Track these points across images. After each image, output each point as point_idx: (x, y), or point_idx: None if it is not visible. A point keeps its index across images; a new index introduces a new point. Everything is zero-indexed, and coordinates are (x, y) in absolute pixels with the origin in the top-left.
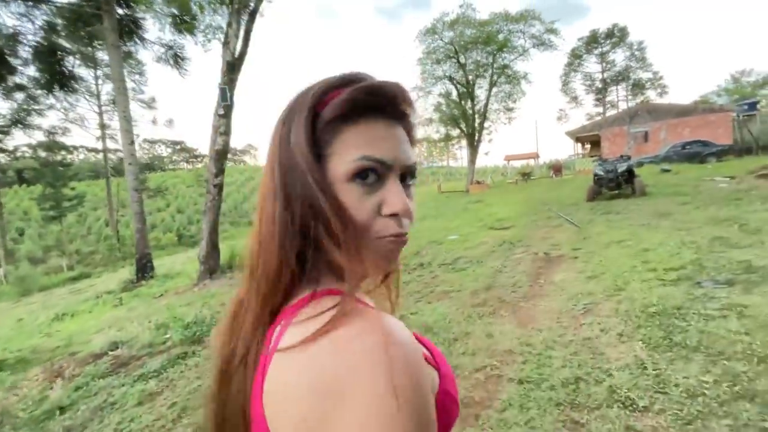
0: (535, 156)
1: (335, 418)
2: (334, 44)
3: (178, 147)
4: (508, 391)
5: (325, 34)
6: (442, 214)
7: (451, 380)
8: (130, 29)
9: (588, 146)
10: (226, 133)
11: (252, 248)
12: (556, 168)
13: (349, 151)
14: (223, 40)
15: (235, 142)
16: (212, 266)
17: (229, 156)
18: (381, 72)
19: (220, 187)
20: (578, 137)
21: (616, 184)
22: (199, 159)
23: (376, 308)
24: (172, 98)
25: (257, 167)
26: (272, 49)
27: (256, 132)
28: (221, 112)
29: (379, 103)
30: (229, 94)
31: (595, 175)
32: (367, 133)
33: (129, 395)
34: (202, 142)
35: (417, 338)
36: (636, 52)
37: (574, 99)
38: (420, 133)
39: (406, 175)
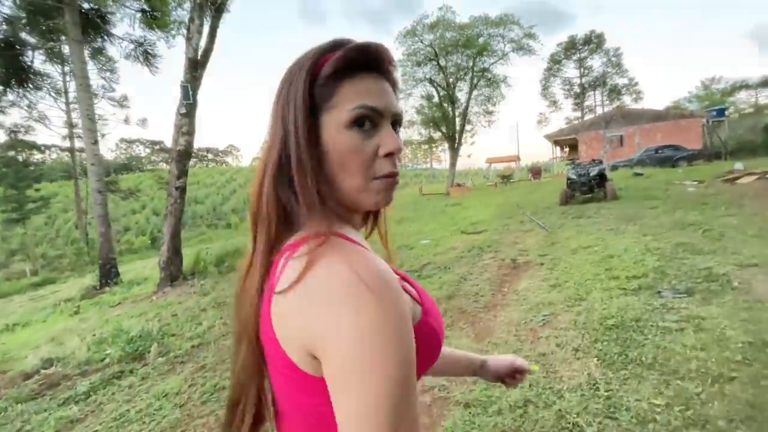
0: (516, 159)
1: (325, 307)
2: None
3: (157, 147)
4: (454, 416)
5: (310, 36)
6: (419, 217)
7: (434, 315)
8: (95, 24)
9: (567, 149)
10: (189, 132)
11: (253, 197)
12: (535, 171)
13: (346, 102)
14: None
15: (217, 142)
16: (173, 273)
17: (211, 156)
18: None
19: (182, 190)
20: (557, 140)
21: (589, 188)
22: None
23: (364, 247)
24: (151, 97)
25: (240, 168)
26: (256, 50)
27: (238, 132)
28: (183, 110)
29: (369, 60)
30: (191, 92)
31: (568, 179)
32: (360, 86)
33: (46, 423)
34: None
35: (401, 275)
36: (612, 59)
37: (554, 103)
38: (402, 135)
39: (395, 123)
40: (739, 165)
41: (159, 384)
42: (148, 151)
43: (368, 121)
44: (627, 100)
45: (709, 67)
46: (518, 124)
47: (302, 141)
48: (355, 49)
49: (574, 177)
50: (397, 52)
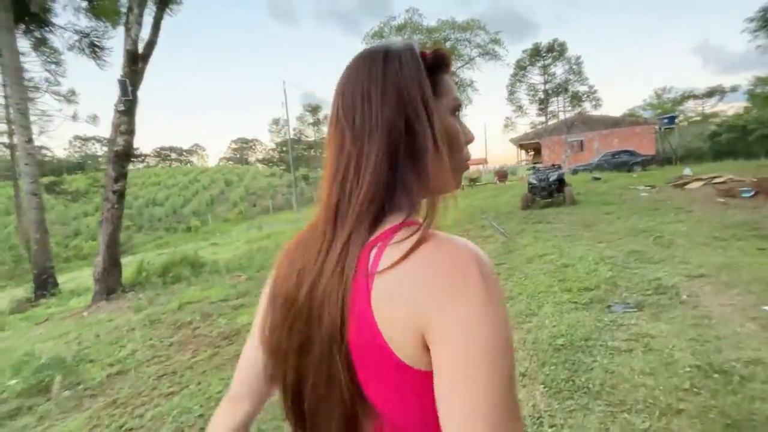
0: (484, 162)
1: (441, 299)
2: (288, 47)
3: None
4: None
5: (280, 36)
6: None
7: None
8: (31, 12)
9: (531, 153)
10: (129, 132)
11: (336, 182)
12: (501, 174)
13: (450, 91)
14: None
15: (182, 141)
16: (110, 286)
17: (174, 156)
18: (331, 76)
19: (120, 194)
20: (522, 144)
21: (549, 192)
22: (139, 158)
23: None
24: (108, 93)
25: (205, 169)
26: (225, 50)
27: (204, 131)
28: (122, 107)
29: (448, 61)
30: (130, 88)
31: (529, 183)
32: (450, 81)
33: None
34: (142, 139)
35: None
36: (574, 66)
37: (520, 108)
38: None
39: None
40: (687, 171)
41: (57, 425)
42: (105, 149)
43: (458, 111)
44: (587, 106)
45: (662, 77)
46: (486, 127)
47: (434, 123)
48: (442, 50)
49: (534, 182)
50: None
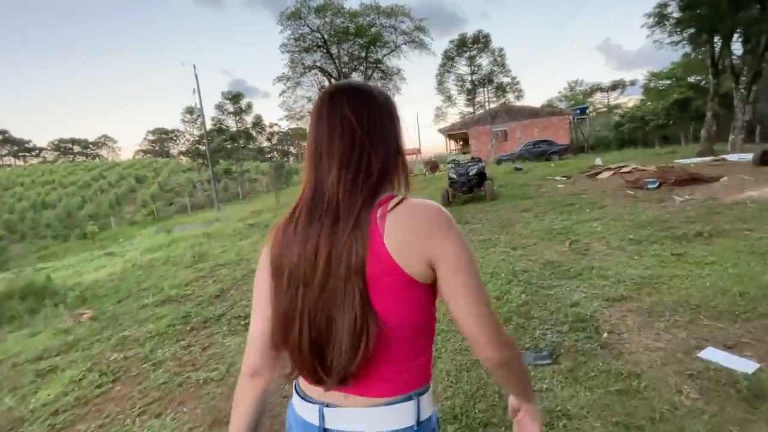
0: (417, 152)
1: (436, 238)
2: (213, 31)
3: (0, 137)
4: None
5: (207, 23)
6: None
7: None
8: None
9: (461, 143)
10: None
11: (346, 171)
12: (432, 165)
13: (402, 129)
14: None
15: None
16: None
17: (78, 149)
18: (263, 63)
19: None
20: (450, 134)
21: (469, 188)
22: (33, 153)
23: None
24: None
25: (114, 164)
26: (149, 35)
27: (114, 122)
28: None
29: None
30: None
31: (449, 178)
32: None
33: None
34: (36, 130)
35: None
36: (498, 58)
37: (449, 98)
38: (288, 126)
39: None
40: (598, 160)
41: None
42: None
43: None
44: (511, 97)
45: (573, 72)
46: (418, 116)
47: (403, 151)
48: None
49: (454, 176)
50: (280, 36)
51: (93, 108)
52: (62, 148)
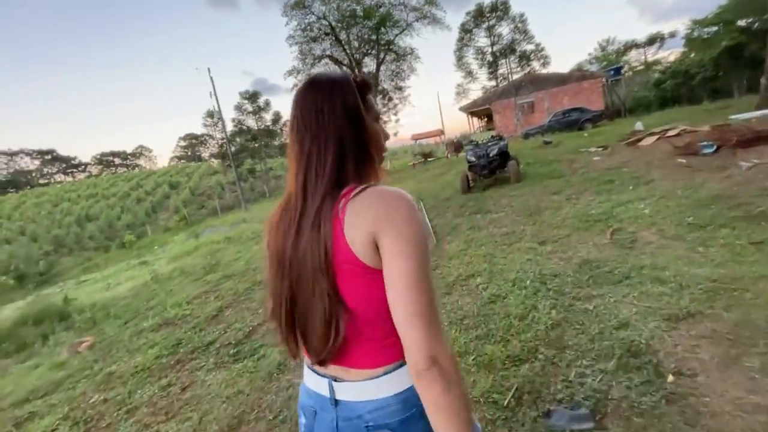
0: (440, 133)
1: (382, 220)
2: (234, 37)
3: (49, 156)
4: None
5: (221, 22)
6: None
7: None
8: None
9: (485, 120)
10: None
11: (303, 170)
12: (455, 146)
13: (372, 106)
14: None
15: (125, 145)
16: None
17: (119, 161)
18: (281, 59)
19: None
20: (472, 112)
21: (490, 170)
22: (80, 168)
23: None
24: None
25: (151, 172)
26: (165, 44)
27: (149, 132)
28: None
29: (370, 85)
30: None
31: (468, 161)
32: (371, 99)
33: None
34: (80, 147)
35: None
36: (519, 25)
37: (469, 74)
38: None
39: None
40: (639, 125)
41: None
42: (37, 162)
43: (378, 119)
44: (536, 65)
45: (603, 31)
46: (438, 96)
47: (365, 129)
48: (366, 78)
49: (473, 159)
50: (286, 28)
51: (128, 120)
52: (104, 161)
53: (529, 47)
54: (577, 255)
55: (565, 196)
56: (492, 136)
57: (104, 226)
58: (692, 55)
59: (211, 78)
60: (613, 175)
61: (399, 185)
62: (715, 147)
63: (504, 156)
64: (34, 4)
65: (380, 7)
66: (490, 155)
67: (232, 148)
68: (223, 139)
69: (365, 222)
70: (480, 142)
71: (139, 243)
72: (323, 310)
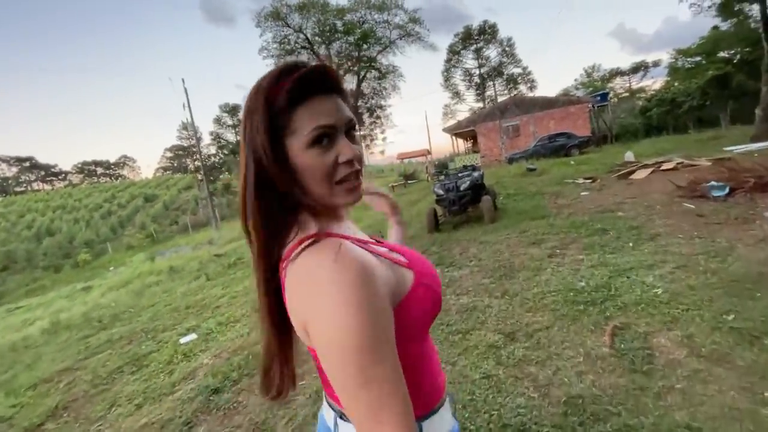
0: (427, 153)
1: (306, 305)
2: (230, 51)
3: (27, 164)
4: None
5: (217, 37)
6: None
7: (427, 274)
8: None
9: (470, 141)
10: None
11: (241, 212)
12: (414, 175)
13: (304, 126)
14: None
15: (109, 154)
16: None
17: (101, 171)
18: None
19: None
20: (456, 133)
21: (461, 206)
22: (60, 177)
23: (339, 238)
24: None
25: (130, 183)
26: (160, 54)
27: (137, 143)
28: None
29: (315, 83)
30: None
31: (435, 194)
32: (313, 109)
33: None
34: (60, 155)
35: (391, 247)
36: (506, 49)
37: (457, 94)
38: None
39: (350, 129)
40: (629, 155)
41: None
42: (14, 169)
43: (325, 137)
44: (523, 89)
45: (587, 59)
46: (427, 115)
47: (272, 164)
48: (300, 79)
49: (441, 192)
50: (259, 40)
51: (113, 129)
52: (86, 170)
53: (517, 70)
54: (559, 379)
55: (546, 250)
56: (464, 166)
57: (64, 241)
58: (676, 83)
59: (185, 89)
60: (607, 222)
61: (365, 214)
62: (727, 189)
63: (477, 189)
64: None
65: (363, 23)
66: (461, 189)
67: (212, 162)
68: (195, 152)
69: (296, 305)
70: (451, 171)
71: (95, 263)
72: (284, 357)
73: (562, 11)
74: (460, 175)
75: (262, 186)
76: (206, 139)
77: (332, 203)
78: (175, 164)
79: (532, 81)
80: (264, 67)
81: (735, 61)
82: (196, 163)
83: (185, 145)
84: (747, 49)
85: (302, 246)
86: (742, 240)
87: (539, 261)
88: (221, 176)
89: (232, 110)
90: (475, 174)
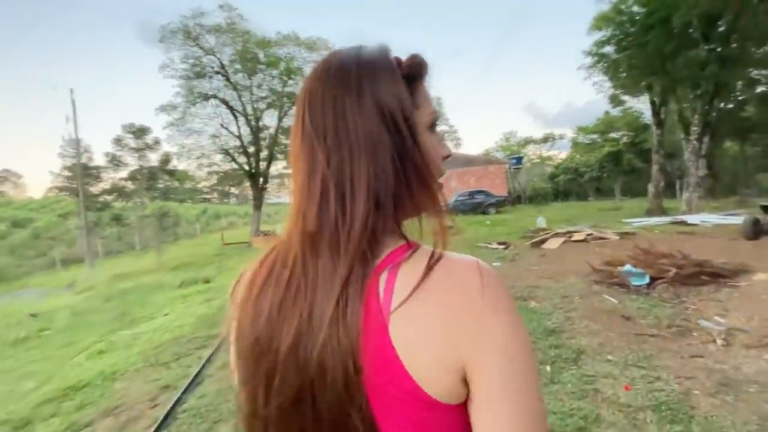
0: None
1: (487, 349)
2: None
3: None
4: None
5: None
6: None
7: None
8: None
9: None
10: None
11: (315, 208)
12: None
13: (426, 104)
14: None
15: None
16: None
17: None
18: None
19: None
20: None
21: None
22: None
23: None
24: None
25: (10, 201)
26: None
27: (16, 156)
28: None
29: (424, 67)
30: None
31: None
32: (425, 91)
33: None
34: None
35: None
36: (436, 107)
37: None
38: (197, 164)
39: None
40: (541, 220)
41: None
42: None
43: (434, 125)
44: (450, 145)
45: (507, 125)
46: None
47: (415, 143)
48: (420, 57)
49: None
50: (161, 56)
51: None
52: None
53: (444, 128)
54: None
55: None
56: None
57: None
58: (577, 156)
59: (73, 100)
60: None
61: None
62: (647, 279)
63: None
64: None
65: (293, 59)
66: None
67: (100, 187)
68: (69, 170)
69: (440, 332)
70: None
71: None
72: None
73: (480, 76)
74: None
75: (379, 181)
76: (99, 160)
77: (434, 203)
78: (74, 185)
79: (458, 139)
80: (170, 87)
81: (624, 142)
82: (116, 183)
83: (68, 164)
84: (631, 133)
85: (417, 245)
86: (695, 377)
87: None
88: (113, 203)
89: (139, 131)
90: None
